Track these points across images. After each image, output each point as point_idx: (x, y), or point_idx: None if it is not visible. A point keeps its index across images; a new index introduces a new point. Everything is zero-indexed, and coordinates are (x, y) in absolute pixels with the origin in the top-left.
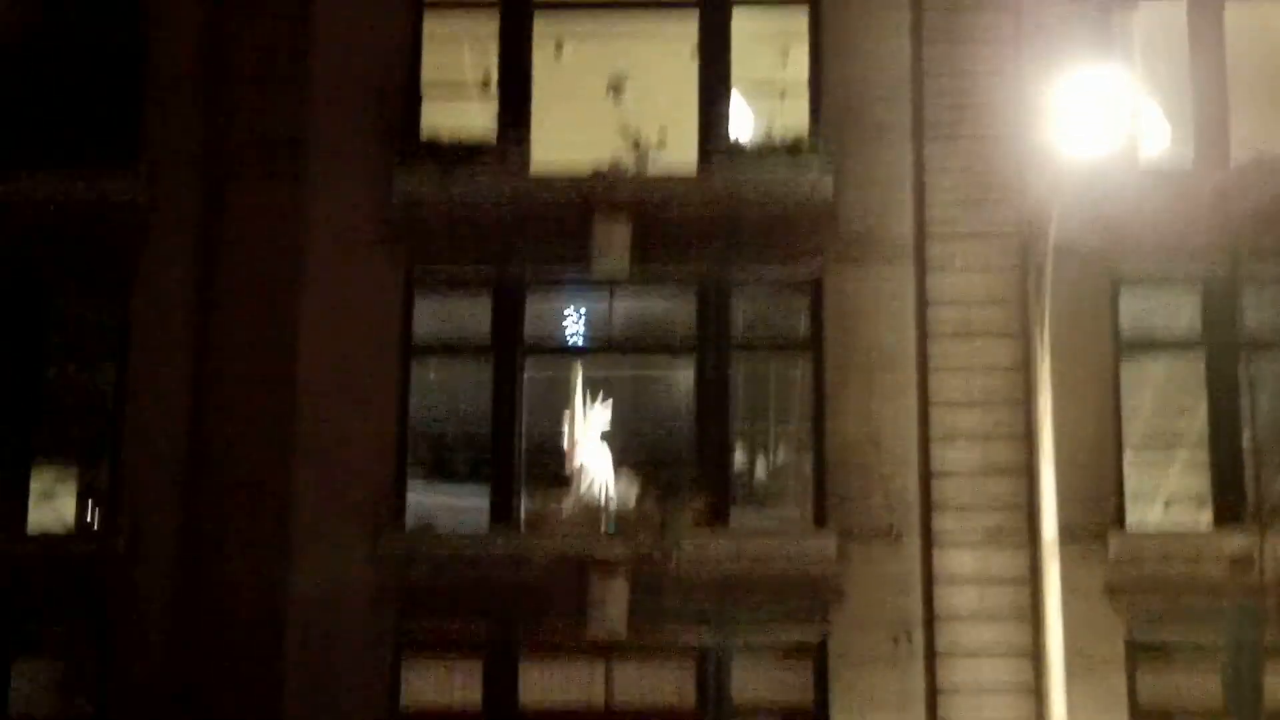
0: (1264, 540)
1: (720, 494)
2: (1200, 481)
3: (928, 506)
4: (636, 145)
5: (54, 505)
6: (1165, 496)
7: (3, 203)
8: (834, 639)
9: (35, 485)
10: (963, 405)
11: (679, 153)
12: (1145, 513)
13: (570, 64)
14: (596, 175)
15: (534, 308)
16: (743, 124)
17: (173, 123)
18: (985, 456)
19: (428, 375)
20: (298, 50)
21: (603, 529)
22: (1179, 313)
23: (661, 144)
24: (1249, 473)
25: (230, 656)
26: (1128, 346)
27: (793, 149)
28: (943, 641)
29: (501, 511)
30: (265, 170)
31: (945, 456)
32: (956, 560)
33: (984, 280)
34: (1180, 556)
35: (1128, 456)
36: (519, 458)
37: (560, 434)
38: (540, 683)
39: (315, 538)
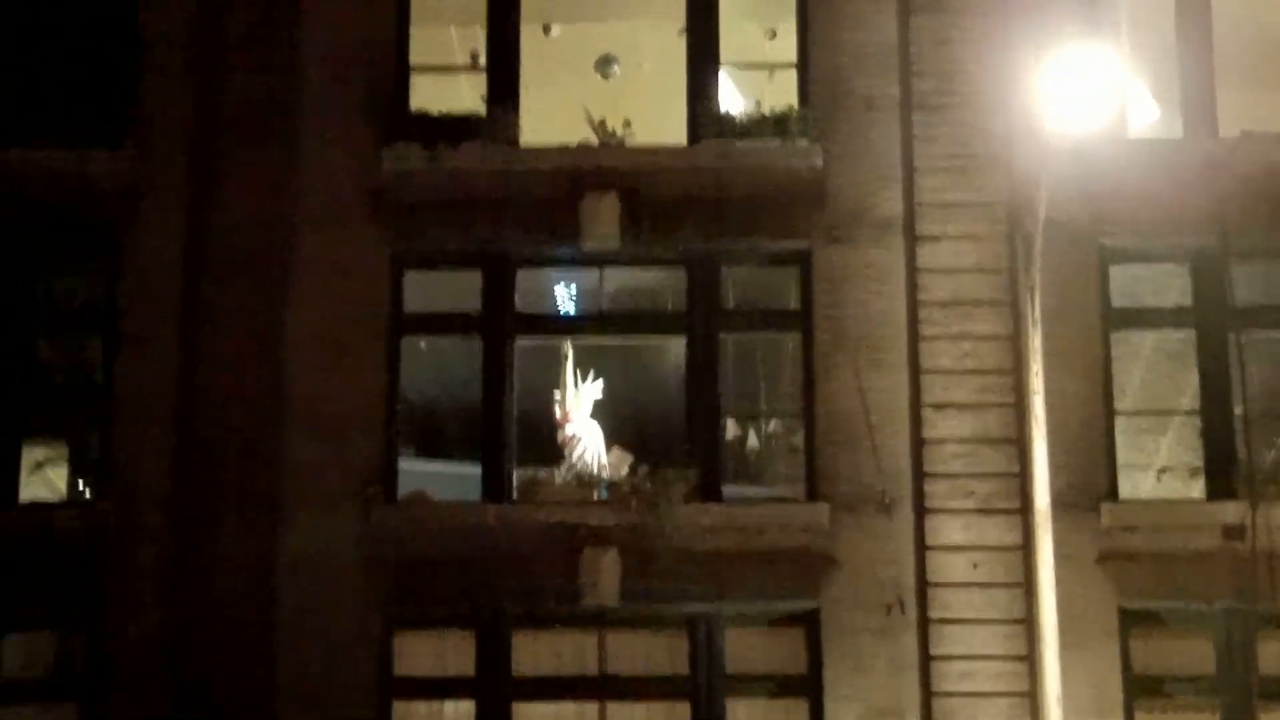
0: (1256, 510)
1: (711, 466)
2: (1193, 452)
3: (920, 476)
4: (627, 123)
5: (45, 478)
6: (1158, 467)
7: None
8: (827, 608)
9: (26, 458)
10: (954, 374)
11: (668, 129)
12: (1138, 483)
13: (559, 41)
14: (585, 150)
15: (524, 282)
16: (732, 101)
17: (162, 97)
18: (977, 426)
19: (418, 348)
20: (287, 25)
21: (595, 499)
22: (1169, 285)
23: (650, 120)
24: (1241, 443)
25: (221, 626)
26: (1118, 318)
27: (781, 123)
28: (935, 610)
29: (493, 483)
30: (254, 144)
31: (937, 426)
32: (949, 529)
33: (974, 249)
34: (1173, 526)
35: (1120, 426)
36: (510, 430)
37: (551, 405)
38: (533, 653)
39: (306, 509)
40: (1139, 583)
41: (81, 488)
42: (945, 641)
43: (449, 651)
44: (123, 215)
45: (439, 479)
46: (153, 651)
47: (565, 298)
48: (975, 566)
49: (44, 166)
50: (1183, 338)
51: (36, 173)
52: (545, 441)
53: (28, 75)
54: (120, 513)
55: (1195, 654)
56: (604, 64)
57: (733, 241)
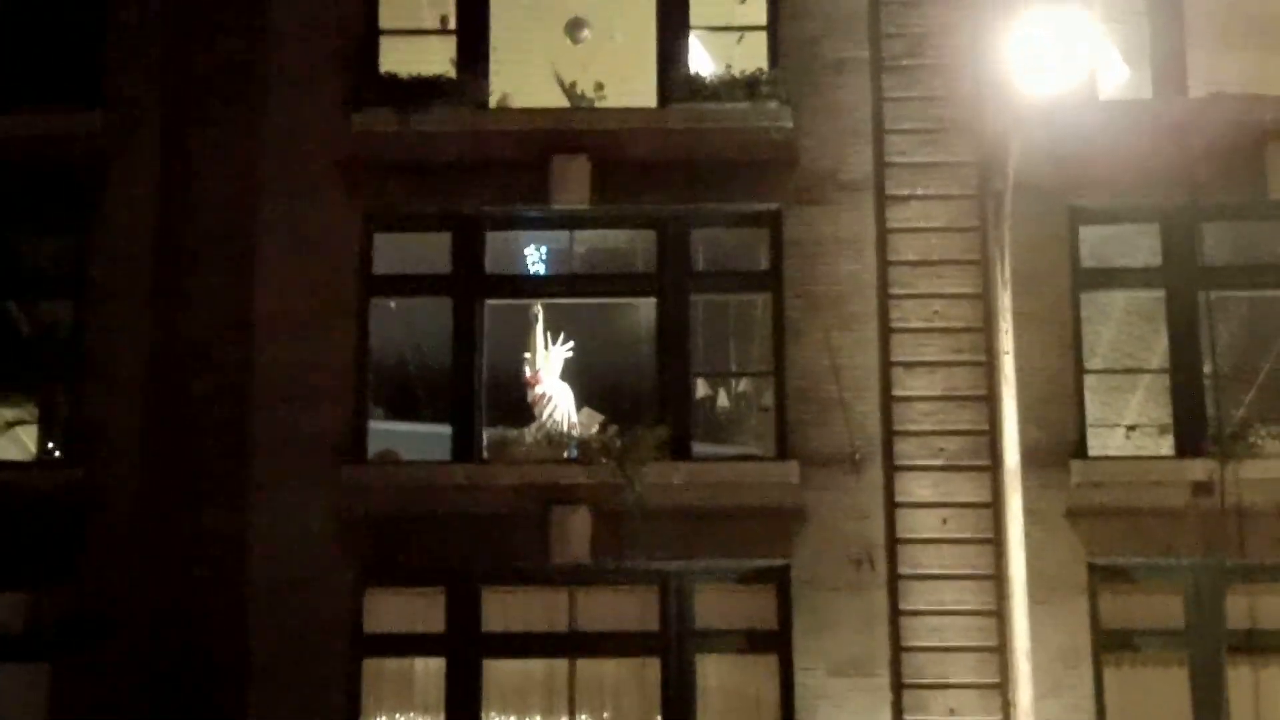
0: (1224, 467)
1: (682, 425)
2: (1162, 410)
3: (889, 433)
4: (599, 86)
5: (15, 437)
6: (1127, 424)
7: None
8: (797, 564)
9: None
10: (923, 333)
11: (638, 92)
12: (1107, 440)
13: (529, 4)
14: (555, 113)
15: (494, 243)
16: (702, 65)
17: (132, 59)
18: (946, 384)
19: (388, 310)
20: None
21: (565, 458)
22: (1138, 244)
23: (621, 84)
24: (1210, 401)
25: (194, 586)
26: (1087, 278)
27: (751, 85)
28: (905, 565)
29: (463, 443)
30: (224, 106)
31: (906, 383)
32: (918, 485)
33: (943, 208)
34: (1142, 483)
35: (1089, 384)
36: (480, 390)
37: (521, 364)
38: (503, 610)
39: (276, 469)
40: (1108, 539)
41: (51, 447)
42: (914, 597)
43: (420, 610)
44: (93, 177)
45: (409, 439)
46: (126, 612)
47: (535, 259)
48: (945, 522)
49: (13, 127)
50: (1153, 297)
51: (5, 134)
52: (515, 402)
53: None
54: (92, 477)
55: (1164, 609)
56: (574, 27)
57: (703, 204)
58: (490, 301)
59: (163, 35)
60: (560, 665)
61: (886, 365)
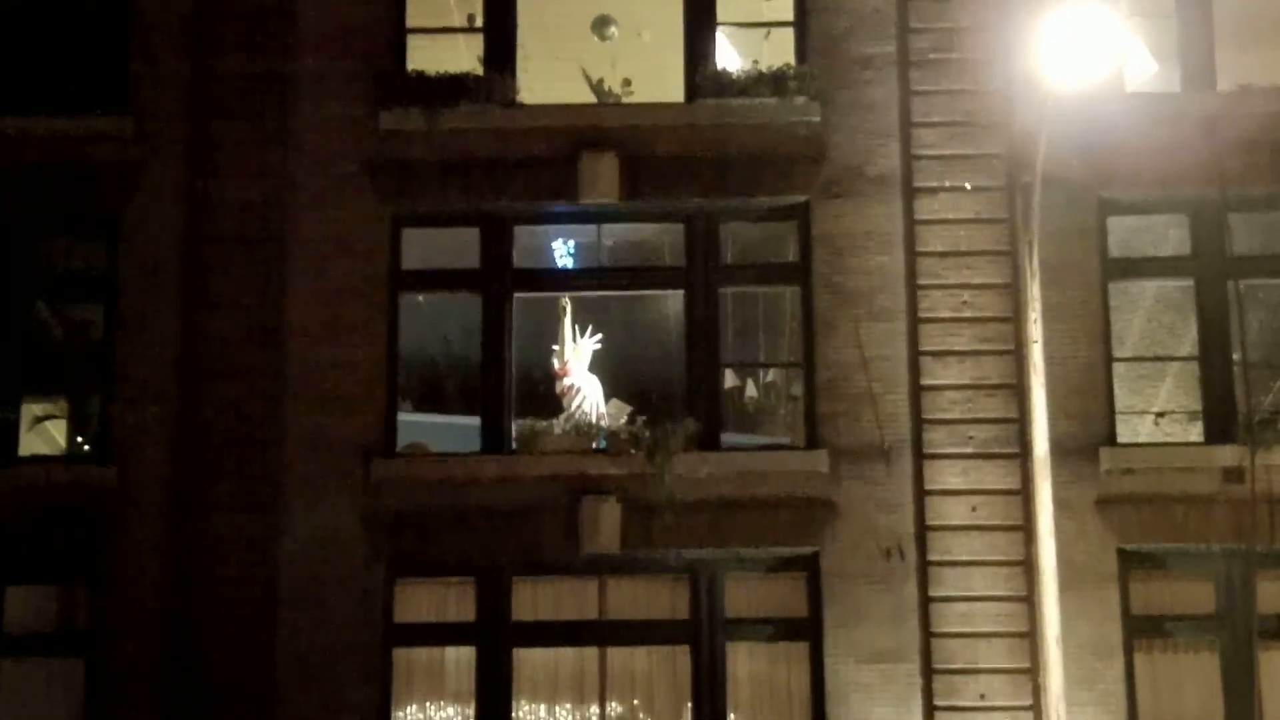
0: (1254, 453)
1: (711, 415)
2: (1191, 397)
3: (919, 422)
4: (626, 82)
5: (45, 432)
6: (1156, 412)
7: None
8: (827, 554)
9: (26, 413)
10: (953, 323)
11: (666, 89)
12: (1136, 428)
13: (556, 1)
14: (583, 110)
15: (522, 237)
16: (729, 61)
17: (160, 63)
18: (976, 372)
19: (418, 305)
20: None
21: (594, 449)
22: (1167, 234)
23: (648, 81)
24: (1239, 388)
25: (222, 580)
26: (1116, 268)
27: (779, 80)
28: (935, 553)
29: (493, 434)
30: (252, 108)
31: (936, 373)
32: (948, 474)
33: (972, 201)
34: (1171, 469)
35: (1119, 373)
36: (509, 383)
37: (550, 357)
38: (533, 601)
39: (307, 464)
40: (1138, 525)
41: (82, 443)
42: (944, 584)
43: (450, 601)
44: (122, 180)
45: (438, 431)
46: (154, 606)
47: (564, 252)
48: (974, 510)
49: (43, 133)
50: (1181, 286)
51: (35, 139)
52: (544, 395)
53: (26, 45)
54: (123, 476)
55: (1194, 595)
56: (601, 25)
57: (731, 198)
58: (519, 295)
59: (190, 39)
60: (590, 654)
61: (916, 355)
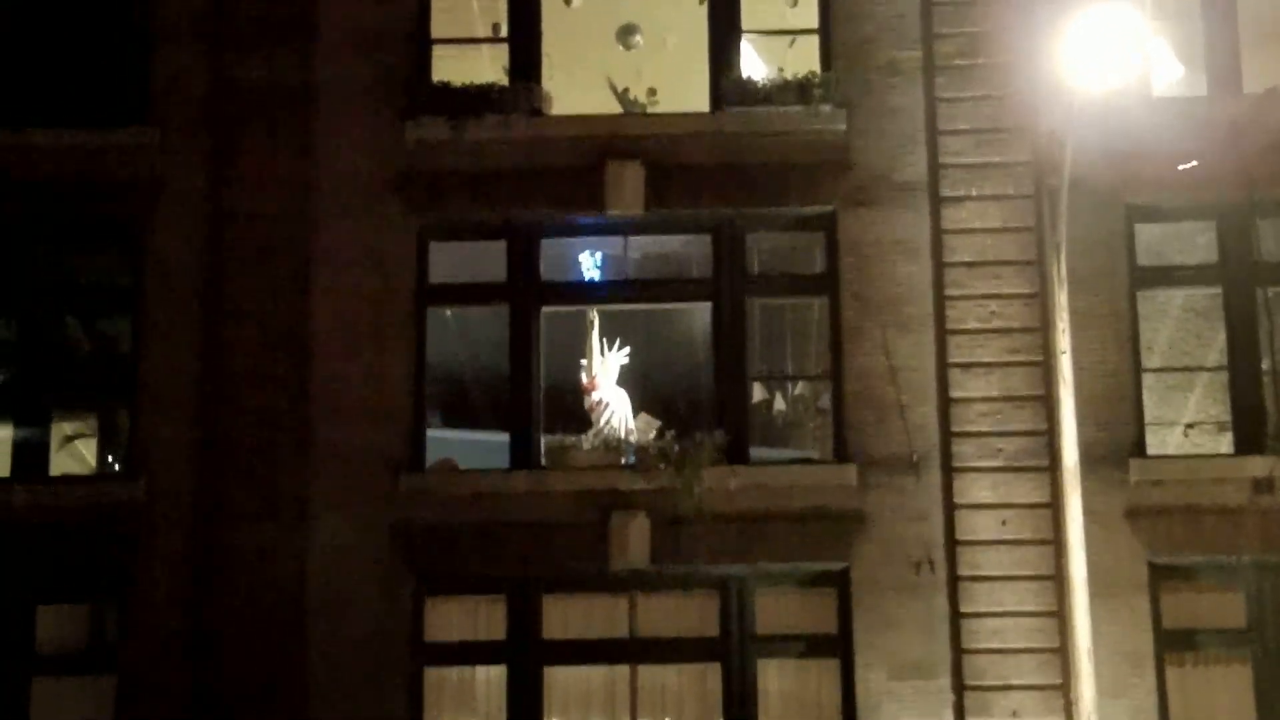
0: None
1: (739, 429)
2: (1220, 407)
3: (947, 434)
4: (651, 91)
5: (74, 450)
6: (1185, 422)
7: (17, 158)
8: (856, 567)
9: (55, 432)
10: (980, 334)
11: (691, 97)
12: (1166, 439)
13: (580, 11)
14: (608, 119)
15: (549, 250)
16: (754, 69)
17: (182, 75)
18: (1004, 384)
19: (444, 319)
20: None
21: (622, 464)
22: (1195, 242)
23: (673, 90)
24: (1269, 398)
25: (250, 597)
26: (1144, 276)
27: (804, 88)
28: (965, 568)
29: (521, 450)
30: (275, 120)
31: (964, 385)
32: (977, 487)
33: (999, 209)
34: (1201, 481)
35: (1147, 383)
36: (537, 397)
37: (578, 371)
38: (563, 618)
39: (334, 478)
40: (1168, 537)
41: (111, 461)
42: (975, 599)
43: (480, 618)
44: (146, 193)
45: (466, 447)
46: (181, 623)
47: (591, 265)
48: (1004, 524)
49: (65, 146)
50: (1210, 294)
51: (57, 152)
52: (572, 409)
53: (48, 58)
54: (150, 491)
55: (1226, 607)
56: (625, 34)
57: (758, 207)
58: (546, 309)
59: (210, 48)
60: (621, 671)
61: (944, 367)
